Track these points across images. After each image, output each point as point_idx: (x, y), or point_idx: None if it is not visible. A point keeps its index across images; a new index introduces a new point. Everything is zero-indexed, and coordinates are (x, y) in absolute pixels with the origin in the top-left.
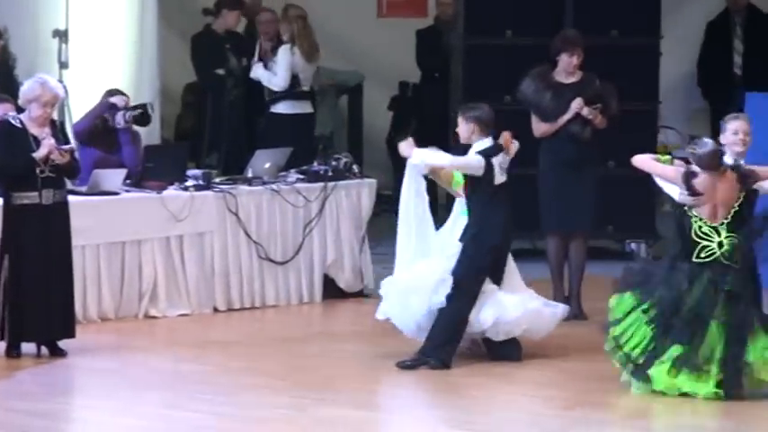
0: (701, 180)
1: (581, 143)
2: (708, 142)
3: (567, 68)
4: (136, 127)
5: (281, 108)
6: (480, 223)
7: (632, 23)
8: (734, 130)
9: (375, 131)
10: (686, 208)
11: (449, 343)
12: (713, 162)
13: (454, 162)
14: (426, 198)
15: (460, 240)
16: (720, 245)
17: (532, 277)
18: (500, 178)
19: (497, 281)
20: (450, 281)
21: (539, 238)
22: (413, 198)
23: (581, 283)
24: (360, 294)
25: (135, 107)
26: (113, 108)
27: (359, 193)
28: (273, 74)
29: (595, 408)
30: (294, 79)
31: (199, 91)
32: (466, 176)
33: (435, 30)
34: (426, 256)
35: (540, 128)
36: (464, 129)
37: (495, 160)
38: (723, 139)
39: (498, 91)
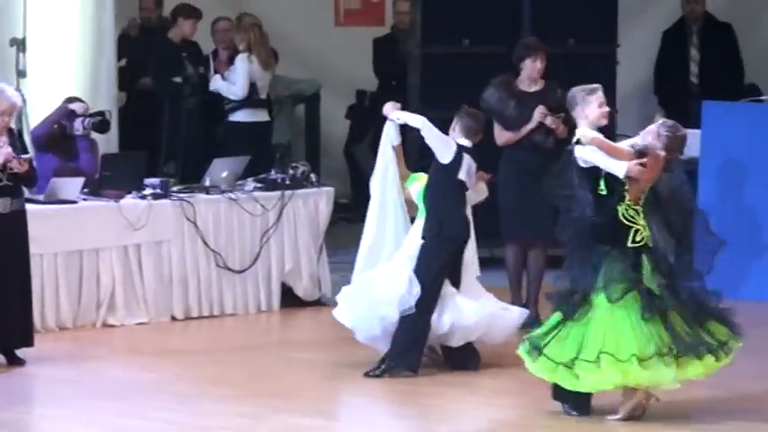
0: (651, 159)
1: (543, 152)
2: (679, 126)
3: (531, 74)
4: (94, 134)
5: (238, 117)
6: (443, 216)
7: (589, 32)
8: (599, 103)
9: (332, 140)
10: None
11: (415, 347)
12: (682, 146)
13: (431, 129)
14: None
15: (423, 237)
16: (645, 227)
17: (491, 285)
18: (463, 176)
19: (455, 282)
20: (417, 284)
21: (497, 246)
22: (388, 184)
23: (539, 290)
24: (317, 303)
25: (94, 114)
26: (72, 115)
27: (316, 202)
28: (231, 83)
29: (553, 416)
30: (252, 88)
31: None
32: (429, 174)
33: (392, 38)
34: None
35: (502, 136)
36: (453, 123)
37: (466, 158)
38: (586, 112)
39: (455, 99)
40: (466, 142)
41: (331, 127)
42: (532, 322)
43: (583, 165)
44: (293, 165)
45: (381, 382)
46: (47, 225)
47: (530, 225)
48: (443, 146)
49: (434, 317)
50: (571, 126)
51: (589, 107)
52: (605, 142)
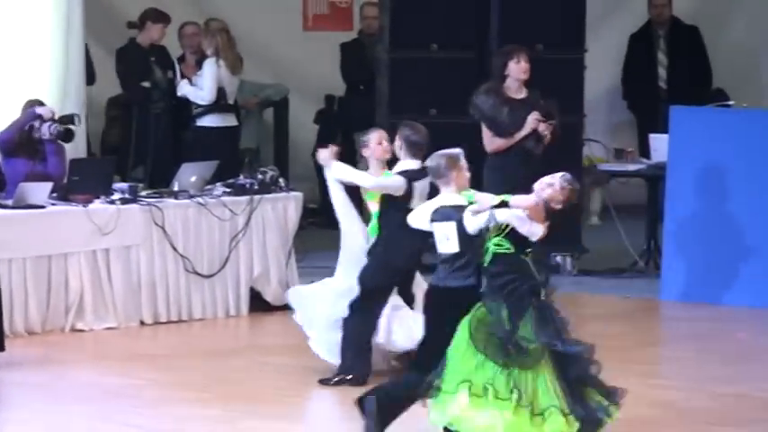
0: (538, 210)
1: (532, 160)
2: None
3: (518, 75)
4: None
5: (206, 121)
6: (388, 244)
7: (557, 37)
8: (466, 168)
9: (301, 145)
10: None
11: (359, 356)
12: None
13: (376, 183)
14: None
15: (368, 255)
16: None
17: None
18: (417, 203)
19: (408, 300)
20: (355, 290)
21: None
22: (346, 204)
23: None
24: (286, 307)
25: (62, 118)
26: (39, 118)
27: (285, 207)
28: (199, 88)
29: None
30: (220, 92)
31: (122, 104)
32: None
33: (360, 43)
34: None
35: (493, 143)
36: (396, 143)
37: (418, 185)
38: (454, 177)
39: (423, 104)
40: (413, 164)
41: (300, 132)
42: None
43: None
44: (262, 169)
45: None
46: (15, 230)
47: None
48: (393, 189)
49: (387, 335)
50: (557, 133)
51: (459, 173)
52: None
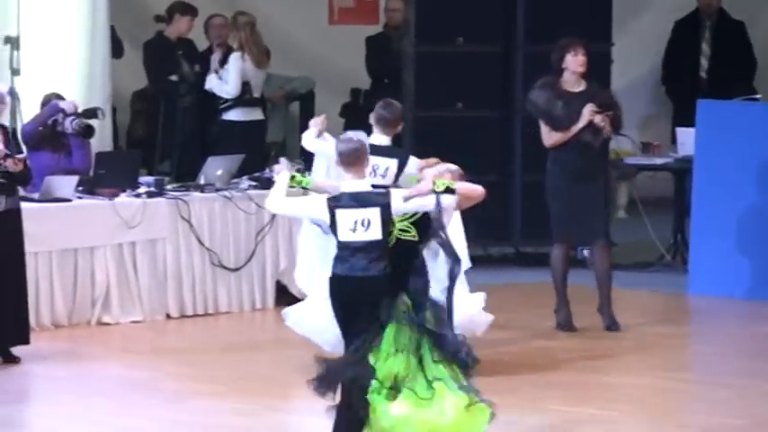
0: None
1: (591, 152)
2: None
3: (576, 68)
4: None
5: (232, 115)
6: None
7: (584, 31)
8: None
9: None
10: None
11: None
12: None
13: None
14: None
15: None
16: None
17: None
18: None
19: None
20: None
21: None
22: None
23: (610, 292)
24: None
25: (85, 112)
26: (62, 112)
27: None
28: (225, 82)
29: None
30: (245, 86)
31: (148, 98)
32: None
33: (385, 36)
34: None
35: (551, 138)
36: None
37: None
38: None
39: (449, 98)
40: (383, 139)
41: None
42: (609, 326)
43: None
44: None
45: None
46: (42, 223)
47: (580, 227)
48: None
49: None
50: (617, 125)
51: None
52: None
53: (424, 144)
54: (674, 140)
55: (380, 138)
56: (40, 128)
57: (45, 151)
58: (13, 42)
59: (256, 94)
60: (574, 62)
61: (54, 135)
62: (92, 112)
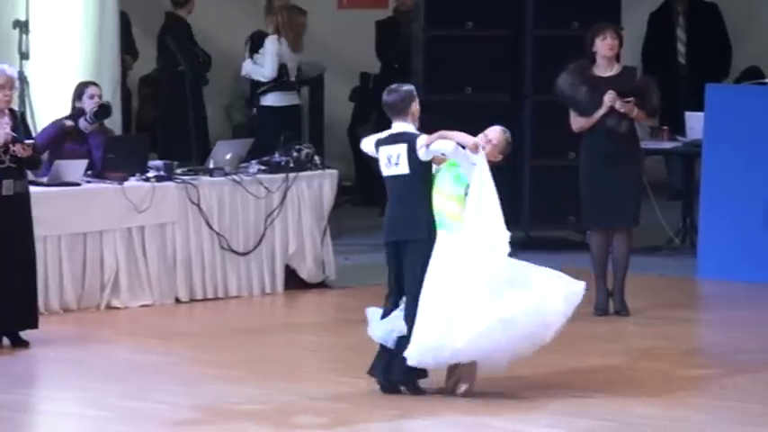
0: None
1: (619, 137)
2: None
3: (605, 53)
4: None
5: (270, 100)
6: None
7: (593, 15)
8: None
9: (336, 122)
10: None
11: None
12: None
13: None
14: None
15: None
16: None
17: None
18: (386, 170)
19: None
20: None
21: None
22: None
23: (625, 278)
24: (322, 285)
25: (97, 112)
26: (78, 114)
27: (320, 184)
28: (260, 65)
29: None
30: (282, 69)
31: (155, 83)
32: None
33: (394, 21)
34: None
35: (576, 122)
36: None
37: (383, 150)
38: None
39: (459, 82)
40: (401, 125)
41: (335, 109)
42: (619, 310)
43: None
44: (297, 147)
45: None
46: (51, 207)
47: (611, 211)
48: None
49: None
50: (649, 110)
51: (415, 106)
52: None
53: (434, 128)
54: (664, 124)
55: (399, 125)
56: (53, 139)
57: (66, 143)
58: (23, 27)
59: (292, 78)
60: (602, 46)
61: (77, 132)
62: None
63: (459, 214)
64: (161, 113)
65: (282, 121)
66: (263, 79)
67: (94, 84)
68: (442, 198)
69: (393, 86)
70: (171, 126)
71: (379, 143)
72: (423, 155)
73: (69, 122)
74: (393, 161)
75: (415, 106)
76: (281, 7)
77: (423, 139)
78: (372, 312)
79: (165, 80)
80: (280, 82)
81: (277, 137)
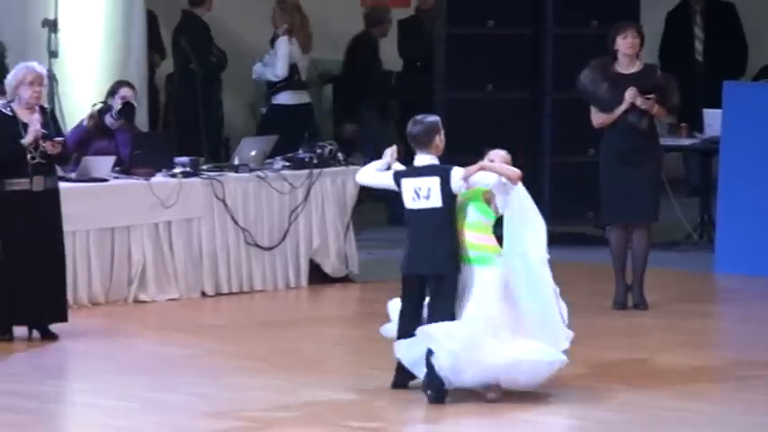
0: None
1: (639, 134)
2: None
3: (626, 51)
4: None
5: (282, 99)
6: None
7: (612, 13)
8: None
9: None
10: None
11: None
12: None
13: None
14: None
15: None
16: None
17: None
18: (411, 203)
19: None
20: None
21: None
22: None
23: (644, 273)
24: (345, 279)
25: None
26: (105, 110)
27: (344, 181)
28: (271, 65)
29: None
30: (293, 69)
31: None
32: None
33: (417, 19)
34: None
35: (597, 118)
36: None
37: (405, 182)
38: None
39: (480, 79)
40: (426, 158)
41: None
42: (638, 304)
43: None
44: (321, 144)
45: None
46: (79, 203)
47: (630, 206)
48: (387, 186)
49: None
50: (669, 107)
51: (440, 138)
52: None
53: (456, 125)
54: (680, 120)
55: (423, 158)
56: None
57: (95, 140)
58: (51, 25)
59: (303, 78)
60: (623, 44)
61: (104, 129)
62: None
63: (488, 245)
64: (174, 112)
65: (296, 119)
66: (274, 79)
67: (129, 85)
68: (472, 230)
69: (418, 118)
70: (182, 125)
71: (401, 175)
72: (459, 187)
73: (87, 120)
74: (422, 194)
75: (440, 138)
76: (294, 8)
77: (460, 172)
78: (393, 307)
79: (176, 79)
80: (291, 81)
81: (289, 135)
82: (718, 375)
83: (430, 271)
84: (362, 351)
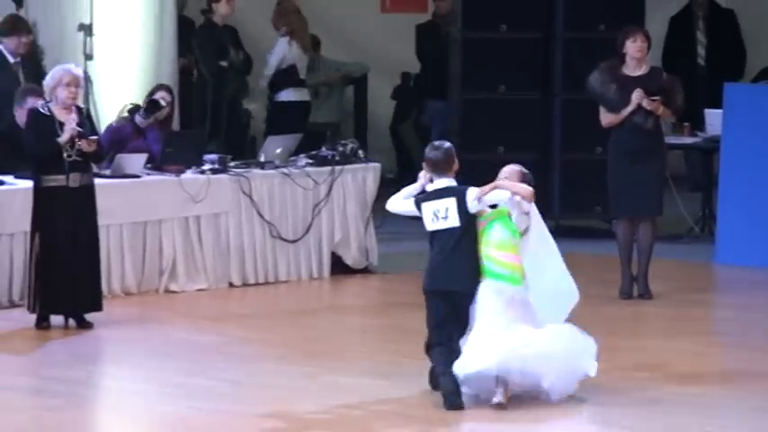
0: None
1: (645, 133)
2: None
3: (635, 54)
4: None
5: (283, 96)
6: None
7: (618, 18)
8: None
9: (379, 119)
10: None
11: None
12: None
13: (389, 206)
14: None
15: None
16: None
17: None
18: (432, 225)
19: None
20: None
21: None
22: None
23: (649, 264)
24: (365, 271)
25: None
26: (135, 110)
27: (364, 177)
28: (265, 62)
29: None
30: (292, 68)
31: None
32: None
33: (433, 24)
34: None
35: (606, 118)
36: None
37: (427, 206)
38: None
39: (493, 81)
40: (443, 182)
41: (378, 107)
42: (643, 293)
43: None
44: (343, 142)
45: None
46: (113, 198)
47: (635, 203)
48: (411, 213)
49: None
50: (674, 108)
51: (455, 164)
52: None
53: (470, 124)
54: (680, 121)
55: (443, 181)
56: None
57: (132, 140)
58: (87, 29)
59: (302, 77)
60: (632, 48)
61: (137, 129)
62: (154, 104)
63: (514, 264)
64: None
65: (296, 115)
66: (264, 80)
67: (166, 88)
68: (500, 249)
69: (436, 144)
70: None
71: (421, 200)
72: (475, 206)
73: (117, 121)
74: (441, 215)
75: (456, 162)
76: (292, 10)
77: (475, 192)
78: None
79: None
80: (290, 80)
81: (287, 130)
82: (720, 362)
83: (450, 286)
84: (382, 338)
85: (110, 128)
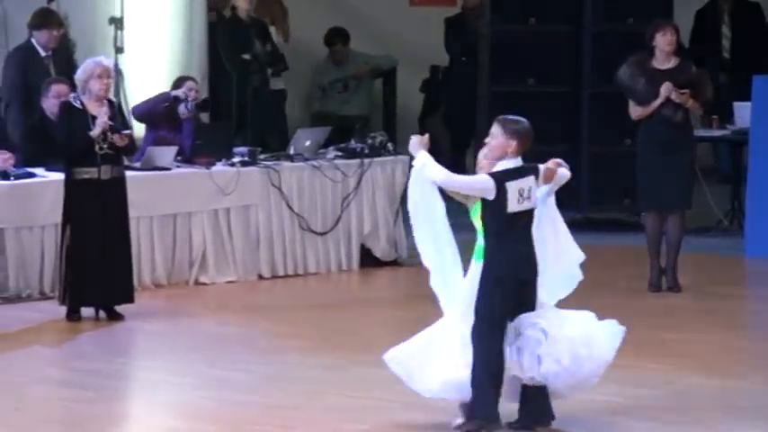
0: None
1: (674, 126)
2: None
3: (664, 47)
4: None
5: (273, 85)
6: (491, 255)
7: (647, 11)
8: None
9: (408, 112)
10: None
11: (487, 391)
12: None
13: (455, 182)
14: (441, 203)
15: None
16: None
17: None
18: (513, 207)
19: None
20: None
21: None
22: (421, 201)
23: (677, 257)
24: (394, 263)
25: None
26: (177, 100)
27: (393, 169)
28: None
29: None
30: (281, 57)
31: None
32: (483, 202)
33: (462, 17)
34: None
35: (635, 111)
36: (502, 143)
37: (512, 185)
38: None
39: (522, 74)
40: (511, 163)
41: (407, 100)
42: (672, 286)
43: None
44: (372, 135)
45: None
46: (143, 190)
47: (664, 195)
48: (478, 190)
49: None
50: (703, 101)
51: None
52: None
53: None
54: (707, 114)
55: (509, 162)
56: (154, 109)
57: (162, 129)
58: (118, 23)
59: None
60: (662, 41)
61: (171, 116)
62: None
63: None
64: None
65: (280, 102)
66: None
67: (193, 79)
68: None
69: (522, 119)
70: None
71: (505, 179)
72: (549, 187)
73: (174, 92)
74: (525, 195)
75: None
76: (275, 1)
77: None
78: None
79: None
80: (283, 69)
81: (265, 118)
82: (749, 354)
83: (534, 274)
84: (410, 330)
85: (166, 95)
